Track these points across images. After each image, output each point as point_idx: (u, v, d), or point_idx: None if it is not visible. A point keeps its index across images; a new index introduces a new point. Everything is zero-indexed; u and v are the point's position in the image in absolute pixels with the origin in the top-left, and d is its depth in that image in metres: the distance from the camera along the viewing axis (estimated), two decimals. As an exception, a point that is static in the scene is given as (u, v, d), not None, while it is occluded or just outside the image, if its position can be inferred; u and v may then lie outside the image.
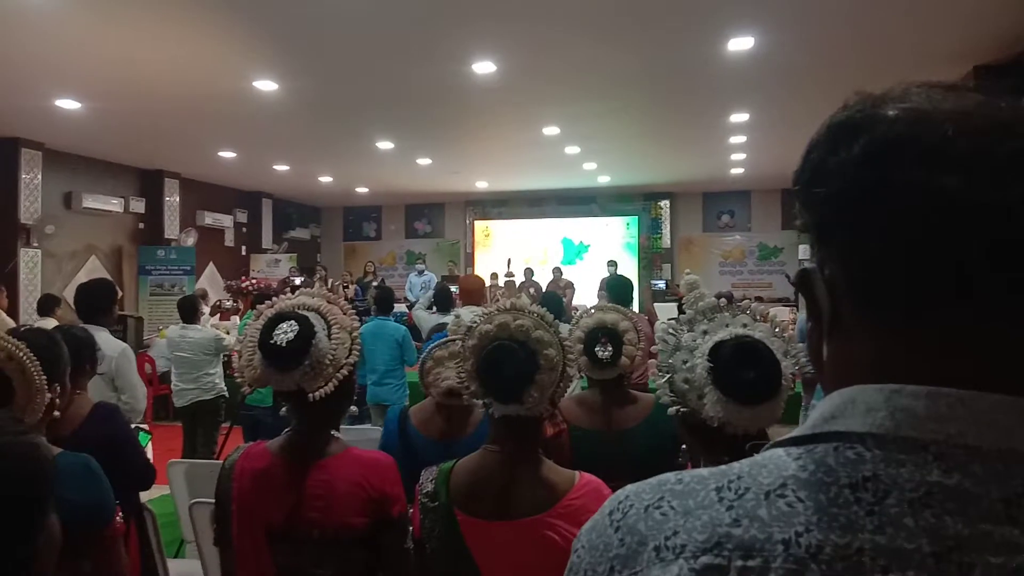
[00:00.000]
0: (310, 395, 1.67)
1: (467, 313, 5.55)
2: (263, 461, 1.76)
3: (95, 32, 5.95)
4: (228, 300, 11.60)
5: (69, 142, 10.01)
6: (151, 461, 2.87)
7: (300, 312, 1.74)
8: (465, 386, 1.70)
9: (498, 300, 7.39)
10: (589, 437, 2.36)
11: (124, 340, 10.05)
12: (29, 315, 8.95)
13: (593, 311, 2.48)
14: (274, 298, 1.84)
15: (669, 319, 10.11)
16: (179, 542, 3.96)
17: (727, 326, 1.53)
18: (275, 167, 12.32)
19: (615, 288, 5.96)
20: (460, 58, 6.80)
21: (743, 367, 1.41)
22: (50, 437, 1.95)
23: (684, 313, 5.20)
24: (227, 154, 11.13)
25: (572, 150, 11.07)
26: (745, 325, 1.54)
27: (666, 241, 15.76)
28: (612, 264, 13.04)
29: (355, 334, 1.79)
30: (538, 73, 7.29)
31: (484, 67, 7.01)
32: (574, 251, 15.99)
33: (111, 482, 2.52)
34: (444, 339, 2.56)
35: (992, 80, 4.63)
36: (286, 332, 1.66)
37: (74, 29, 5.88)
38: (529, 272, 13.09)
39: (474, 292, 5.75)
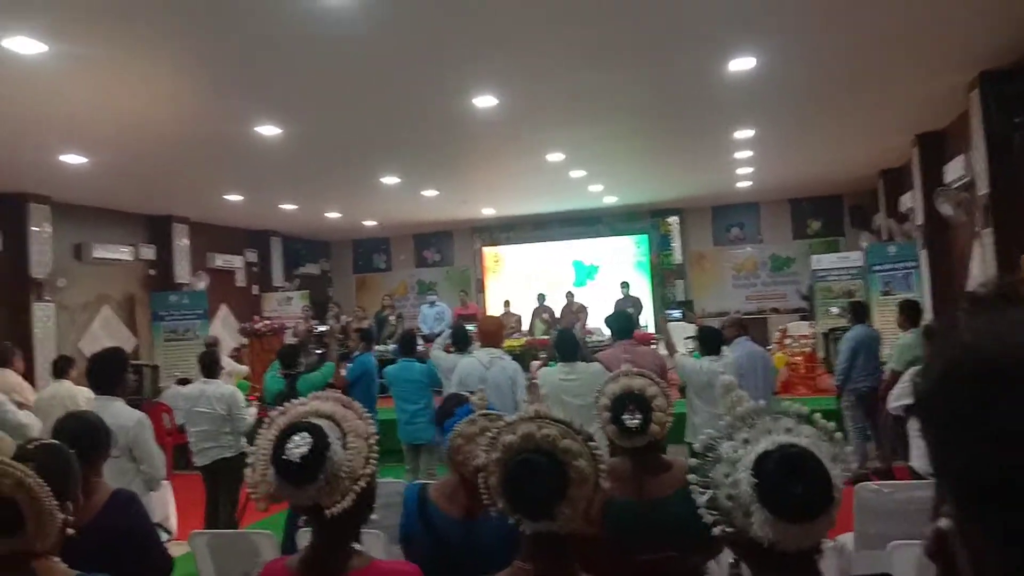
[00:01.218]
0: (327, 512, 1.59)
1: (484, 354, 5.53)
2: None
3: (98, 87, 5.97)
4: (245, 344, 11.59)
5: (77, 194, 10.05)
6: (167, 552, 2.79)
7: (313, 421, 1.67)
8: (492, 502, 1.62)
9: (512, 328, 7.26)
10: (621, 507, 2.27)
11: (140, 389, 10.15)
12: (46, 371, 8.93)
13: (619, 376, 2.39)
14: (286, 404, 1.77)
15: (686, 337, 10.08)
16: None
17: (769, 432, 1.42)
18: (282, 206, 12.34)
19: (614, 324, 5.90)
20: (461, 93, 6.78)
21: (791, 482, 1.31)
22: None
23: (700, 337, 5.05)
24: (234, 197, 11.16)
25: (577, 174, 11.02)
26: (789, 429, 1.43)
27: (677, 257, 15.67)
28: (625, 285, 12.95)
29: (371, 440, 1.71)
30: (539, 102, 7.27)
31: (485, 101, 6.99)
32: (585, 272, 15.91)
33: (131, 572, 2.46)
34: (471, 416, 2.47)
35: (999, 86, 4.54)
36: (299, 445, 1.59)
37: (77, 85, 5.89)
38: (541, 297, 13.02)
39: (491, 334, 5.69)
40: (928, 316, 8.37)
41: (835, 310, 10.04)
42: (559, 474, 1.54)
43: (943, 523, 0.53)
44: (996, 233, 6.95)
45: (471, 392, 2.69)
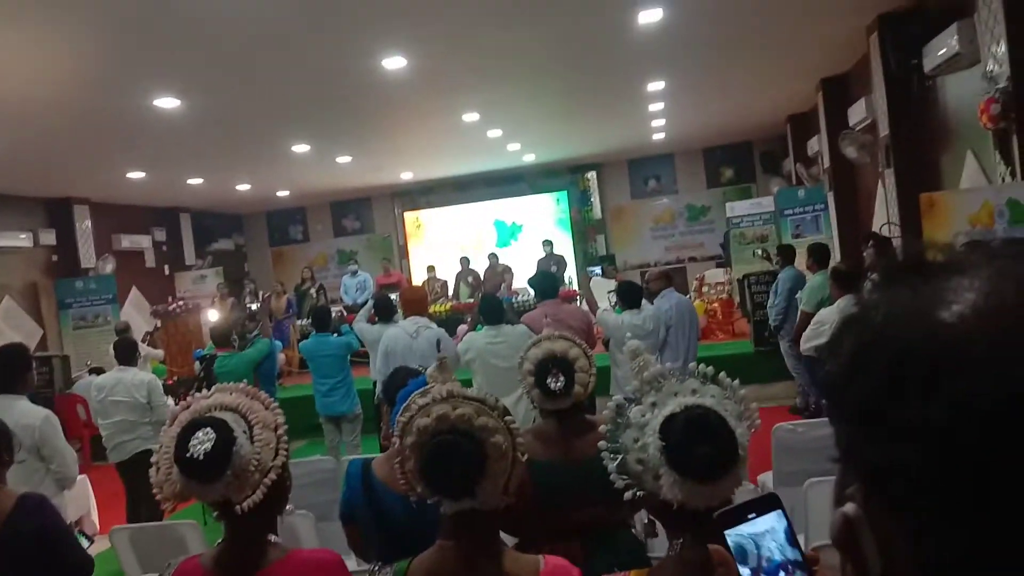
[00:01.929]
0: (237, 508, 1.54)
1: (409, 324, 5.46)
2: None
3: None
4: (158, 326, 11.18)
5: (-38, 180, 9.42)
6: (87, 551, 2.68)
7: (216, 416, 1.60)
8: (411, 487, 1.59)
9: (438, 294, 7.20)
10: (549, 469, 2.28)
11: (51, 381, 9.70)
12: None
13: (541, 340, 2.39)
14: (188, 398, 1.69)
15: (608, 291, 10.19)
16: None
17: (676, 395, 1.43)
18: (189, 181, 11.85)
19: (537, 285, 5.93)
20: (368, 55, 6.60)
21: (696, 443, 1.32)
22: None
23: (620, 291, 5.09)
24: (137, 174, 10.64)
25: (494, 133, 10.93)
26: (695, 391, 1.44)
27: (597, 212, 15.80)
28: (548, 244, 13.01)
29: (280, 431, 1.65)
30: (450, 63, 7.15)
31: (394, 62, 6.82)
32: (508, 232, 15.90)
33: (46, 577, 2.35)
34: (424, 388, 2.41)
35: (897, 28, 4.64)
36: (202, 442, 1.52)
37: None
38: (465, 261, 12.95)
39: (416, 302, 5.63)
40: (836, 258, 8.69)
41: (759, 252, 10.27)
42: (477, 452, 1.52)
43: (849, 509, 0.50)
44: (897, 173, 7.22)
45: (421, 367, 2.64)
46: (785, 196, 10.96)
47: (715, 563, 1.36)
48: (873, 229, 7.84)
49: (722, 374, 1.48)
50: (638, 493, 1.42)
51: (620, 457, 1.44)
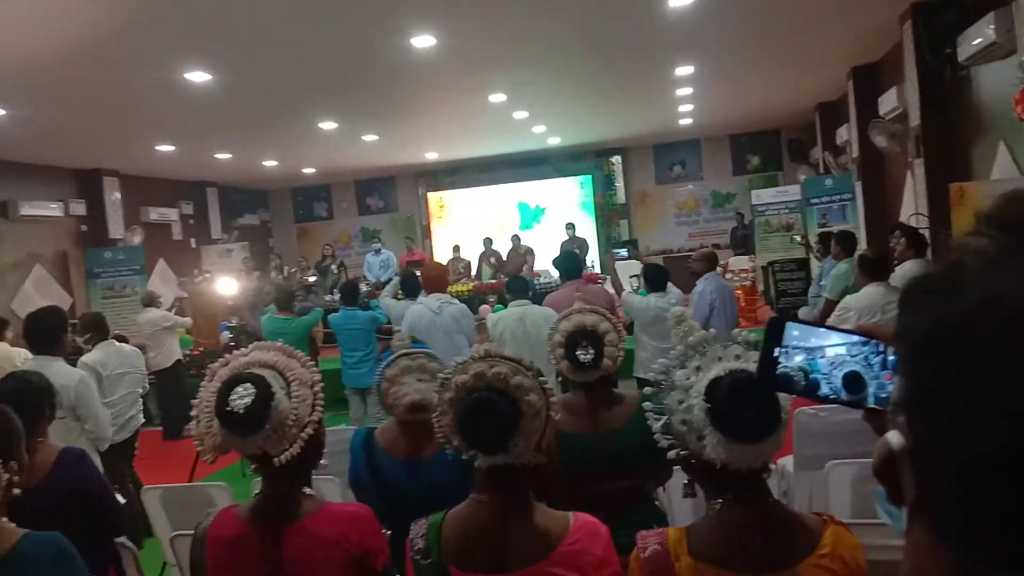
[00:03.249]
0: (275, 460, 1.59)
1: (432, 300, 5.52)
2: (234, 528, 1.68)
3: (10, 36, 5.62)
4: (184, 296, 11.34)
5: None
6: (122, 508, 2.77)
7: (256, 372, 1.65)
8: (447, 440, 1.64)
9: (461, 274, 7.28)
10: (576, 441, 2.32)
11: (79, 349, 9.90)
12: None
13: (572, 313, 2.42)
14: (226, 356, 1.75)
15: (631, 276, 10.20)
16: (162, 566, 3.88)
17: (720, 359, 1.48)
18: (217, 156, 11.96)
19: (562, 265, 5.95)
20: (399, 33, 6.61)
21: (741, 405, 1.37)
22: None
23: (647, 274, 5.08)
24: (165, 148, 10.77)
25: (520, 115, 10.93)
26: (738, 356, 1.48)
27: (621, 197, 15.77)
28: (570, 227, 13.00)
29: (316, 387, 1.71)
30: (479, 43, 7.15)
31: (424, 41, 6.84)
32: (531, 215, 15.91)
33: (85, 529, 2.43)
34: (391, 357, 2.48)
35: (930, 18, 4.57)
36: (242, 396, 1.58)
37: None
38: (488, 241, 12.99)
39: (437, 279, 5.68)
40: (863, 246, 8.62)
41: (797, 239, 10.08)
42: (512, 409, 1.57)
43: (893, 439, 0.50)
44: (927, 164, 7.15)
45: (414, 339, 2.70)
46: (812, 185, 10.87)
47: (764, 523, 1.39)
48: (901, 219, 7.77)
49: None
50: (681, 452, 1.46)
51: (665, 418, 1.50)
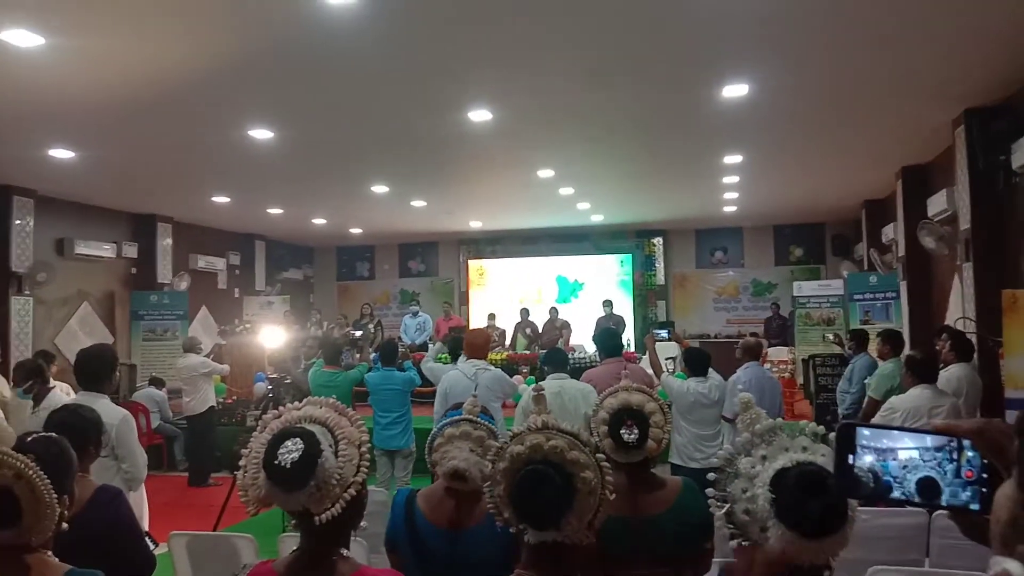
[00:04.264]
0: (316, 518, 1.60)
1: (469, 366, 5.54)
2: None
3: (90, 79, 5.91)
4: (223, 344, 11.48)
5: (61, 189, 9.95)
6: (151, 551, 2.76)
7: (306, 427, 1.66)
8: (497, 512, 1.63)
9: (495, 342, 7.23)
10: (614, 524, 2.26)
11: (117, 388, 10.02)
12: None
13: (618, 391, 2.41)
14: (280, 408, 1.77)
15: (667, 358, 10.10)
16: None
17: (787, 450, 1.45)
18: (269, 210, 12.29)
19: (602, 342, 5.94)
20: (457, 106, 6.82)
21: (808, 498, 1.34)
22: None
23: (688, 358, 5.03)
24: (221, 199, 11.10)
25: (566, 191, 11.09)
26: (805, 448, 1.46)
27: (660, 278, 15.77)
28: (608, 304, 12.99)
29: (363, 448, 1.71)
30: (533, 119, 7.32)
31: (480, 115, 7.03)
32: (569, 289, 15.97)
33: (111, 570, 2.43)
34: (457, 417, 2.47)
35: (984, 123, 4.61)
36: (291, 451, 1.58)
37: (70, 77, 5.83)
38: (525, 312, 13.02)
39: (478, 347, 5.71)
40: (907, 347, 8.48)
41: (830, 336, 10.07)
42: (566, 485, 1.55)
43: (1015, 572, 0.52)
44: (976, 268, 7.07)
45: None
46: (856, 280, 10.78)
47: None
48: (947, 322, 7.65)
49: (832, 434, 1.49)
50: (743, 543, 1.43)
51: (728, 506, 1.46)
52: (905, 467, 0.87)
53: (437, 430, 2.48)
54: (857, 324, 10.06)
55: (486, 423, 2.47)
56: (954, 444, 0.83)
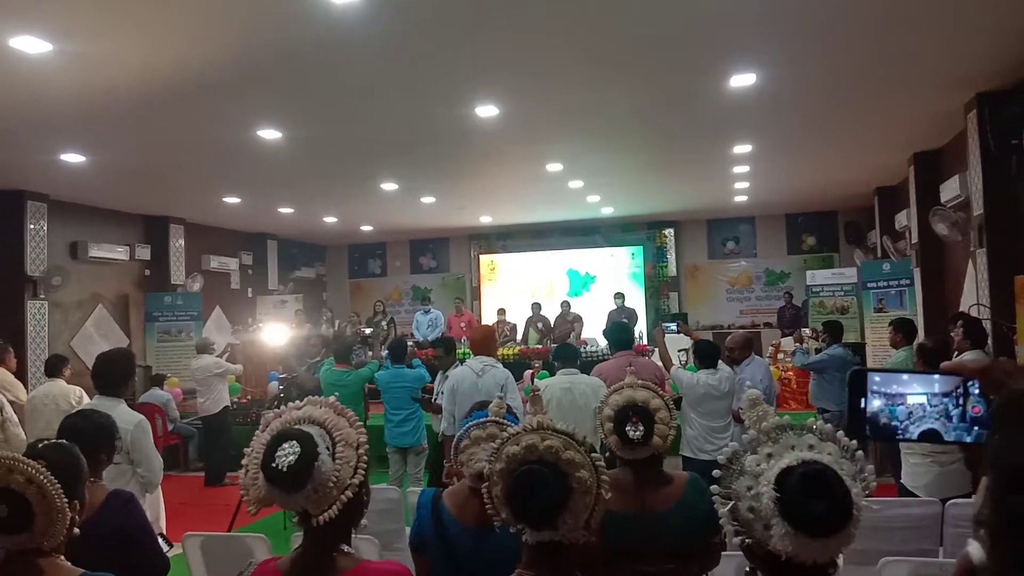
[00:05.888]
0: (313, 520, 1.61)
1: (476, 363, 5.54)
2: None
3: (99, 85, 5.96)
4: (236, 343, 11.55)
5: (74, 193, 10.04)
6: (164, 554, 2.78)
7: (304, 429, 1.68)
8: (495, 512, 1.64)
9: (507, 336, 7.24)
10: (621, 520, 2.27)
11: (133, 390, 10.11)
12: (39, 369, 8.90)
13: (623, 387, 2.41)
14: (280, 408, 1.78)
15: (679, 350, 10.04)
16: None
17: (792, 448, 1.44)
18: (280, 209, 12.34)
19: (613, 336, 5.93)
20: (464, 102, 6.82)
21: (812, 497, 1.32)
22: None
23: (698, 351, 4.99)
24: (232, 199, 11.16)
25: (575, 184, 11.07)
26: (812, 446, 1.44)
27: (672, 269, 15.73)
28: (619, 296, 12.96)
29: (361, 450, 1.72)
30: (541, 114, 7.31)
31: (487, 111, 7.03)
32: (580, 282, 15.95)
33: (123, 575, 2.45)
34: (484, 419, 2.46)
35: (997, 108, 4.57)
36: (288, 455, 1.60)
37: (80, 83, 5.88)
38: (536, 307, 13.02)
39: (482, 342, 5.70)
40: (921, 335, 8.41)
41: (807, 332, 10.10)
42: (562, 485, 1.56)
43: (975, 555, 0.53)
44: (990, 253, 7.01)
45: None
46: (869, 268, 10.71)
47: None
48: (961, 309, 7.59)
49: (840, 432, 1.47)
50: (747, 540, 1.43)
51: (732, 503, 1.46)
52: (911, 414, 0.93)
53: (464, 431, 2.48)
54: (871, 312, 9.99)
55: (512, 424, 2.47)
56: (961, 390, 0.87)
